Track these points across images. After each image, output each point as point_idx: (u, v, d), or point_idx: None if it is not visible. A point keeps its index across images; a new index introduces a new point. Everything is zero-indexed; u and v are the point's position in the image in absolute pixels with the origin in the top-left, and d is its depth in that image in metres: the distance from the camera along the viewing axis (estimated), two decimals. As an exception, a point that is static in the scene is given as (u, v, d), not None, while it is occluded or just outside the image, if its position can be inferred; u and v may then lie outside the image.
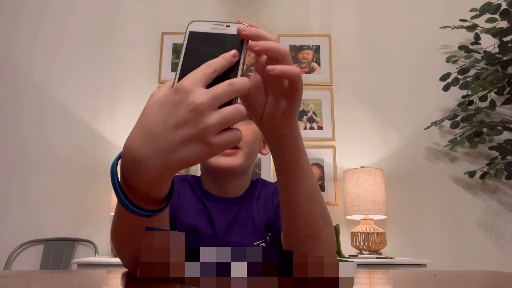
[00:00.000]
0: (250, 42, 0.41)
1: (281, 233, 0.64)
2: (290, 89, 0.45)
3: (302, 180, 0.52)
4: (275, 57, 0.43)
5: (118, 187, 0.39)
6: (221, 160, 0.73)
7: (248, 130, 0.76)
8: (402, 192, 2.31)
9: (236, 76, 0.38)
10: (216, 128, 0.35)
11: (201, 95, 0.35)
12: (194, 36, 0.39)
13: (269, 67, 0.42)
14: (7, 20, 2.51)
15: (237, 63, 0.39)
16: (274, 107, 0.48)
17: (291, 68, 0.43)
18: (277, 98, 0.47)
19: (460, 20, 2.32)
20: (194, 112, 0.35)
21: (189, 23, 0.39)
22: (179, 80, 0.37)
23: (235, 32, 0.40)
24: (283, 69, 0.43)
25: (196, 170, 2.29)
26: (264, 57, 0.45)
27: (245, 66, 0.39)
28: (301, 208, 0.53)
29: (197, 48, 0.39)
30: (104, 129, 2.36)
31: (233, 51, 0.38)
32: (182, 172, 2.07)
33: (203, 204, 0.77)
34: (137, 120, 0.38)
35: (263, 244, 0.77)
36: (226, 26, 0.40)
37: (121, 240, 0.50)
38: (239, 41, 0.40)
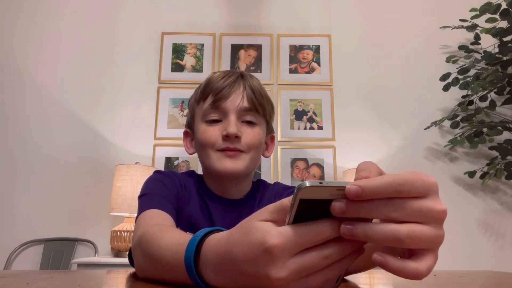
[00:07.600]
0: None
1: None
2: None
3: None
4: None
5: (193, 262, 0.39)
6: (226, 164, 0.72)
7: (253, 133, 0.75)
8: (402, 192, 2.30)
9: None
10: None
11: (285, 271, 0.31)
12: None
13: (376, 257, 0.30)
14: (6, 20, 2.51)
15: None
16: None
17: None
18: None
19: (460, 20, 2.32)
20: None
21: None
22: (292, 221, 0.31)
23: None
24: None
25: (197, 167, 2.28)
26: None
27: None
28: None
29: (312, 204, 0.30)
30: (104, 129, 2.36)
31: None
32: (184, 169, 2.05)
33: (205, 203, 0.77)
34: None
35: None
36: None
37: (147, 272, 0.51)
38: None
